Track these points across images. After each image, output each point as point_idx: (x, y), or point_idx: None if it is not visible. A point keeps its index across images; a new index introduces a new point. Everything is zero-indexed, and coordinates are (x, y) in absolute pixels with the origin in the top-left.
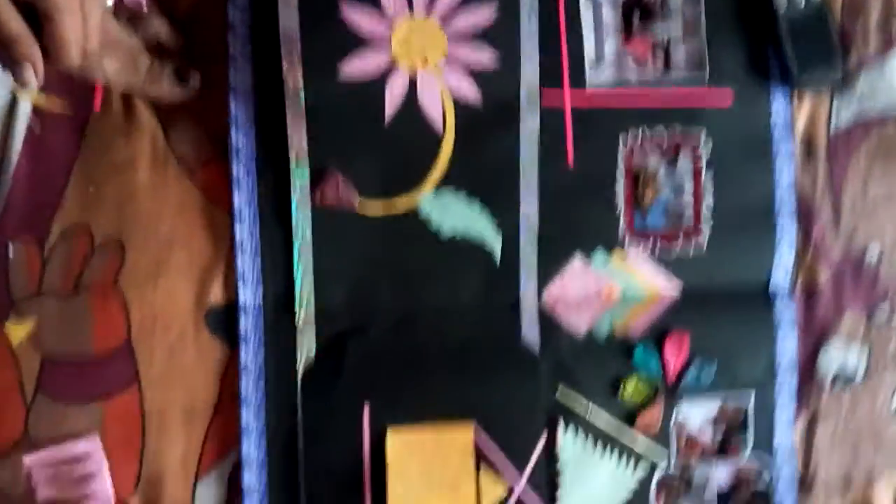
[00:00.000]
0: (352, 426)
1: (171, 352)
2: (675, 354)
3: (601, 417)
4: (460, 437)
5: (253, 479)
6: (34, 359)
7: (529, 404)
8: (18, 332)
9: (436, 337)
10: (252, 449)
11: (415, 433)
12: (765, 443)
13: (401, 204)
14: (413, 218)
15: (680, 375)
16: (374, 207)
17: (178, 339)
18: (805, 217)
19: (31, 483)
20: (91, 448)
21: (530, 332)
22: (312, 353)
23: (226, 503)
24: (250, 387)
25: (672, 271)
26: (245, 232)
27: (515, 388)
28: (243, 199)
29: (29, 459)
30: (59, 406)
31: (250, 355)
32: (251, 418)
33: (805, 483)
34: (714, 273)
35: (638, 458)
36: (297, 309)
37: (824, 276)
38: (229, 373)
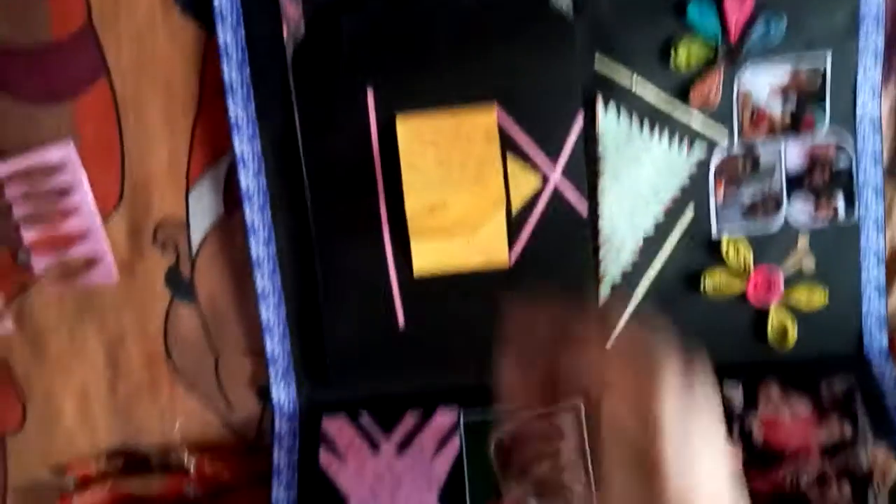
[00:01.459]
0: (355, 115)
1: (139, 36)
2: (737, 9)
3: (649, 90)
4: (482, 120)
5: (250, 179)
6: None
7: (562, 78)
8: None
9: (448, 7)
10: (245, 147)
11: (428, 119)
12: (845, 115)
13: None
14: None
15: (743, 35)
16: None
17: (145, 21)
18: None
19: (5, 198)
20: (65, 156)
21: None
22: (301, 31)
23: (223, 214)
24: (234, 73)
25: None
26: None
27: (545, 60)
28: None
29: None
30: (24, 107)
31: (229, 35)
32: (239, 111)
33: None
34: None
35: (693, 136)
36: None
37: None
38: (209, 61)
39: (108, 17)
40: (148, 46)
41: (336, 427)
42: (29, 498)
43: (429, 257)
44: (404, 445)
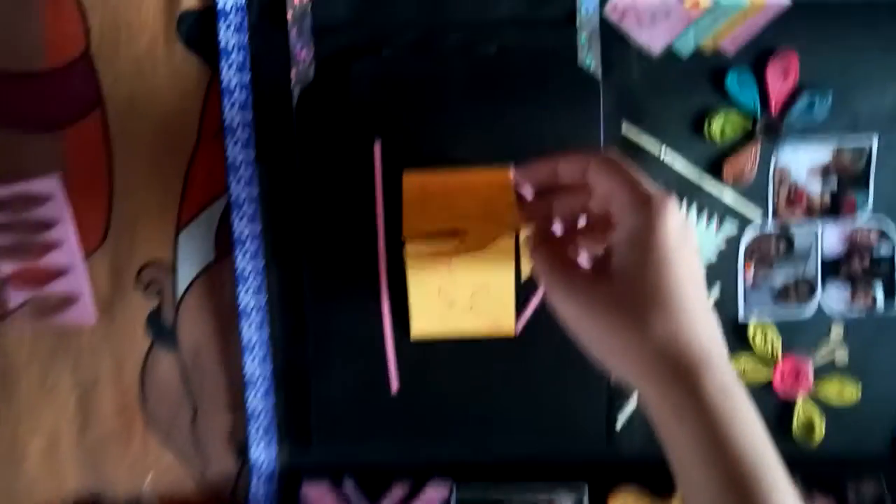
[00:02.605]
0: (360, 167)
1: (138, 67)
2: (779, 81)
3: (679, 161)
4: (496, 180)
5: (243, 225)
6: None
7: (585, 142)
8: None
9: (467, 59)
10: (241, 191)
11: (437, 176)
12: (890, 200)
13: None
14: None
15: (784, 109)
16: None
17: (146, 51)
18: None
19: None
20: (50, 188)
21: (590, 50)
22: (311, 75)
23: (213, 259)
24: (235, 114)
25: None
26: None
27: (569, 123)
28: None
29: None
30: (12, 134)
31: (233, 73)
32: (238, 153)
33: None
34: None
35: (724, 212)
36: (288, 14)
37: None
38: (210, 100)
39: (108, 46)
40: (147, 80)
41: (317, 493)
42: None
43: (428, 321)
44: None
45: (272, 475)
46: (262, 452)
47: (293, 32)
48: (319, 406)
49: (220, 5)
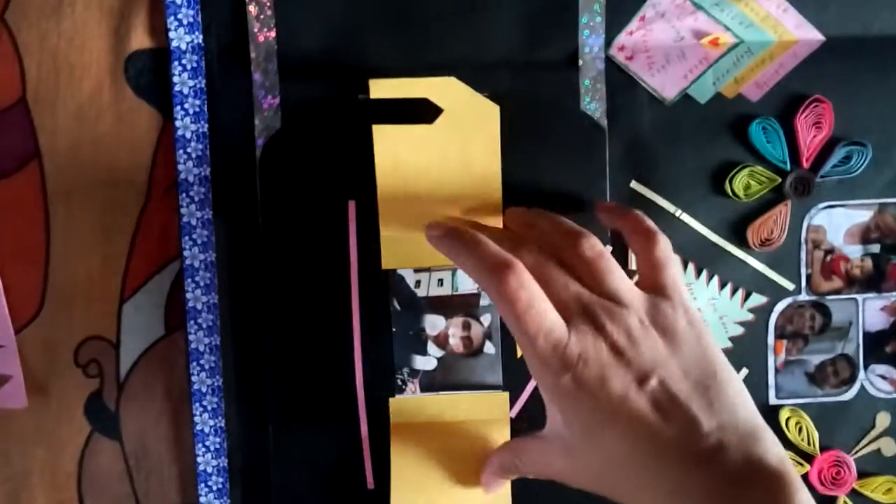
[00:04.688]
0: (332, 228)
1: (81, 115)
2: (810, 131)
3: (697, 223)
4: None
5: (198, 295)
6: None
7: (590, 201)
8: None
9: None
10: (196, 256)
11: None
12: None
13: None
14: None
15: (817, 163)
16: None
17: (90, 98)
18: None
19: None
20: None
21: (594, 95)
22: (277, 123)
23: (163, 334)
24: (191, 167)
25: (810, 9)
26: None
27: (571, 177)
28: None
29: None
30: None
31: (189, 121)
32: (194, 211)
33: None
34: (874, 13)
35: (751, 282)
36: (251, 54)
37: None
38: (162, 151)
39: (47, 92)
40: (90, 129)
41: None
42: None
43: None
44: None
45: None
46: None
47: (257, 75)
48: None
49: (174, 44)
